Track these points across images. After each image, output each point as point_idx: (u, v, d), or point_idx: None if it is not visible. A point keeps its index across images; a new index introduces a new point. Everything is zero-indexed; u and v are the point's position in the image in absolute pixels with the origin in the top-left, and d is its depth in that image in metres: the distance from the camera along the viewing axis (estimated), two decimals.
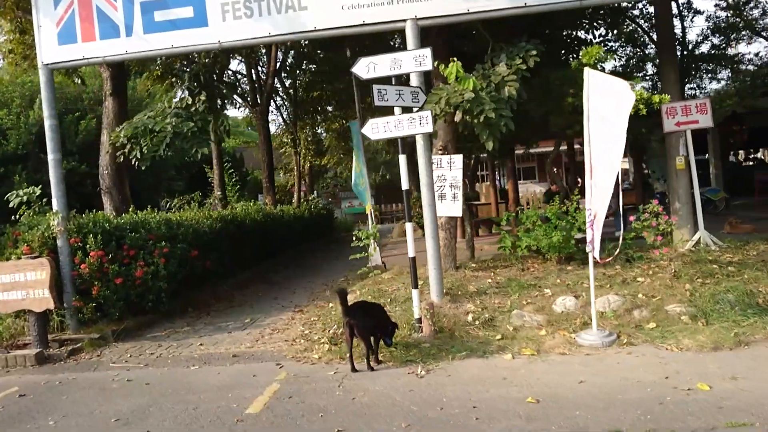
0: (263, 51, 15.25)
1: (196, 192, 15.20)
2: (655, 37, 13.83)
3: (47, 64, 7.55)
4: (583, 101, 5.56)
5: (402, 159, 6.33)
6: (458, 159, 8.23)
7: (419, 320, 6.38)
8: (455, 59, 6.61)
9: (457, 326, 6.45)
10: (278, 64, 15.60)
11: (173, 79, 11.50)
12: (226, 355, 6.47)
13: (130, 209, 8.89)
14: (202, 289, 9.97)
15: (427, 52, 6.05)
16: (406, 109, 6.35)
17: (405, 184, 6.34)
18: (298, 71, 15.61)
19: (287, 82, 18.47)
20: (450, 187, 8.20)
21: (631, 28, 16.10)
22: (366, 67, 6.19)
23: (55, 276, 7.01)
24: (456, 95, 6.66)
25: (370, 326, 5.55)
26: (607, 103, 5.29)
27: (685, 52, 16.40)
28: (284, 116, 19.88)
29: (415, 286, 6.40)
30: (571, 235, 7.67)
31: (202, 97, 8.32)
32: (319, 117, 18.39)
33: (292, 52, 14.75)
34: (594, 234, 5.64)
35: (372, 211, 11.58)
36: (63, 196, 7.64)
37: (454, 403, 4.52)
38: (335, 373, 5.50)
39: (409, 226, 6.44)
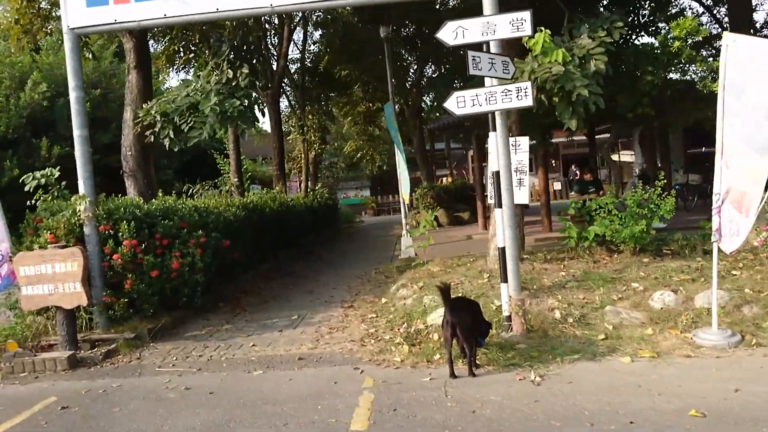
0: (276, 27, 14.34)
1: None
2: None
3: (73, 29, 6.66)
4: (720, 72, 4.88)
5: (492, 138, 5.62)
6: (524, 141, 7.57)
7: (508, 318, 5.71)
8: (543, 29, 5.92)
9: (545, 324, 5.80)
10: (290, 45, 14.73)
11: (191, 55, 10.61)
12: (290, 358, 5.72)
13: (158, 194, 8.04)
14: (228, 282, 9.20)
15: (527, 15, 5.33)
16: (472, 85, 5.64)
17: (496, 165, 5.63)
18: (320, 48, 14.62)
19: (295, 67, 17.62)
20: (515, 172, 7.52)
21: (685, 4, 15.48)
22: (453, 33, 5.46)
23: (87, 268, 6.18)
24: (542, 69, 5.97)
25: (474, 326, 4.86)
26: (756, 72, 4.63)
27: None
28: (291, 101, 18.96)
29: (504, 280, 5.71)
30: (652, 224, 7.05)
31: (245, 71, 7.50)
32: (334, 100, 17.41)
33: (311, 29, 13.84)
34: (721, 221, 5.00)
35: (405, 201, 10.86)
36: (90, 177, 6.79)
37: (601, 417, 3.85)
38: (431, 380, 4.80)
39: (498, 213, 5.72)
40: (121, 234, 6.76)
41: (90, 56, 11.45)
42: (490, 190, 7.72)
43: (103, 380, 5.50)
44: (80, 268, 6.04)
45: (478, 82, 6.59)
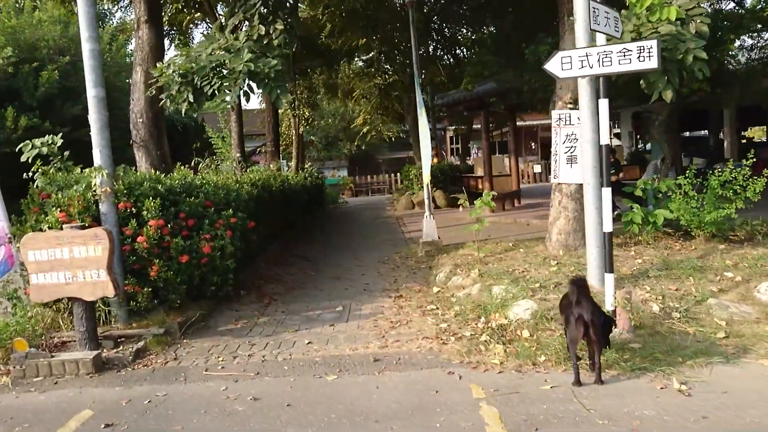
0: None
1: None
2: None
3: None
4: None
5: (603, 105, 4.86)
6: (575, 115, 6.84)
7: (613, 313, 5.01)
8: None
9: (647, 319, 5.13)
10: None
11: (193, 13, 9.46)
12: (361, 359, 4.91)
13: (178, 167, 7.03)
14: (245, 268, 8.27)
15: None
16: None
17: (605, 138, 4.87)
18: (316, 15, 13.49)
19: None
20: (568, 148, 6.83)
21: None
22: None
23: (114, 252, 5.20)
24: (647, 28, 5.24)
25: (606, 325, 4.15)
26: None
27: None
28: None
29: (611, 270, 5.00)
30: (735, 208, 6.45)
31: (279, 27, 6.54)
32: (327, 73, 16.31)
33: None
34: None
35: (426, 181, 10.05)
36: (108, 146, 5.76)
37: None
38: (552, 388, 4.08)
39: (607, 193, 4.97)
40: (146, 212, 5.78)
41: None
42: (554, 168, 7.02)
43: (141, 387, 4.58)
44: (105, 253, 5.05)
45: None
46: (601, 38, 4.94)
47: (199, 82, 6.52)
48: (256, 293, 7.47)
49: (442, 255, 8.87)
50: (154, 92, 6.79)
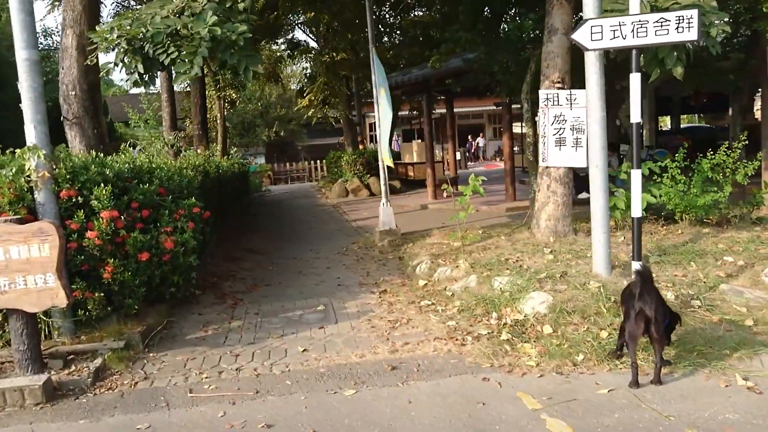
0: None
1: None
2: None
3: None
4: None
5: (635, 80, 4.46)
6: (580, 95, 6.52)
7: None
8: None
9: None
10: None
11: None
12: (374, 367, 4.26)
13: (124, 147, 5.99)
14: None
15: None
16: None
17: (636, 116, 4.49)
18: None
19: None
20: (571, 131, 6.50)
21: None
22: None
23: (64, 252, 4.20)
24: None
25: (670, 321, 3.77)
26: None
27: None
28: None
29: (638, 257, 4.65)
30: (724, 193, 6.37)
31: None
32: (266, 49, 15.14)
33: None
34: None
35: (387, 164, 9.44)
36: (44, 122, 4.69)
37: None
38: (610, 392, 3.65)
39: (637, 175, 4.59)
40: (95, 202, 4.79)
41: None
42: (542, 151, 6.66)
43: (112, 419, 3.70)
44: (55, 252, 4.06)
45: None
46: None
47: (151, 51, 5.53)
48: (214, 293, 6.58)
49: (408, 244, 8.34)
50: (95, 60, 5.70)
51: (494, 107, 30.75)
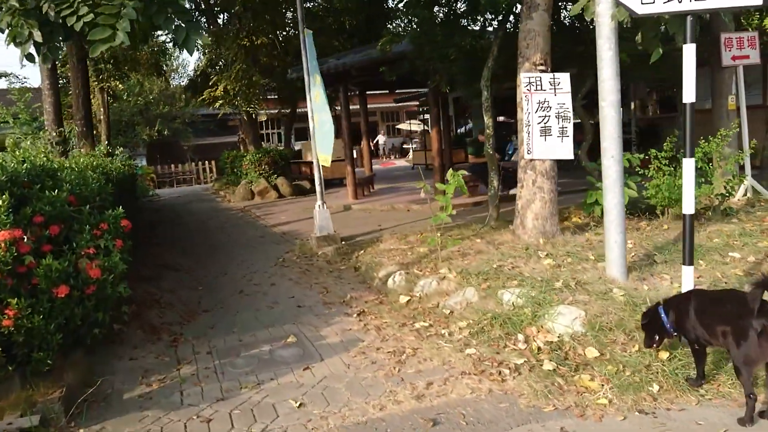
0: None
1: None
2: None
3: None
4: None
5: (690, 52, 3.78)
6: (564, 79, 5.91)
7: None
8: None
9: None
10: None
11: None
12: (407, 425, 3.24)
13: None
14: None
15: None
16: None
17: (689, 96, 3.81)
18: None
19: None
20: (557, 119, 5.88)
21: None
22: None
23: None
24: None
25: None
26: None
27: None
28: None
29: (690, 262, 3.99)
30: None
31: None
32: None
33: None
34: None
35: (323, 163, 8.34)
36: None
37: None
38: None
39: (690, 164, 3.92)
40: None
41: None
42: (527, 141, 5.96)
43: None
44: None
45: None
46: None
47: (52, 13, 4.11)
48: (141, 327, 5.16)
49: (358, 252, 7.32)
50: None
51: (393, 104, 30.33)
